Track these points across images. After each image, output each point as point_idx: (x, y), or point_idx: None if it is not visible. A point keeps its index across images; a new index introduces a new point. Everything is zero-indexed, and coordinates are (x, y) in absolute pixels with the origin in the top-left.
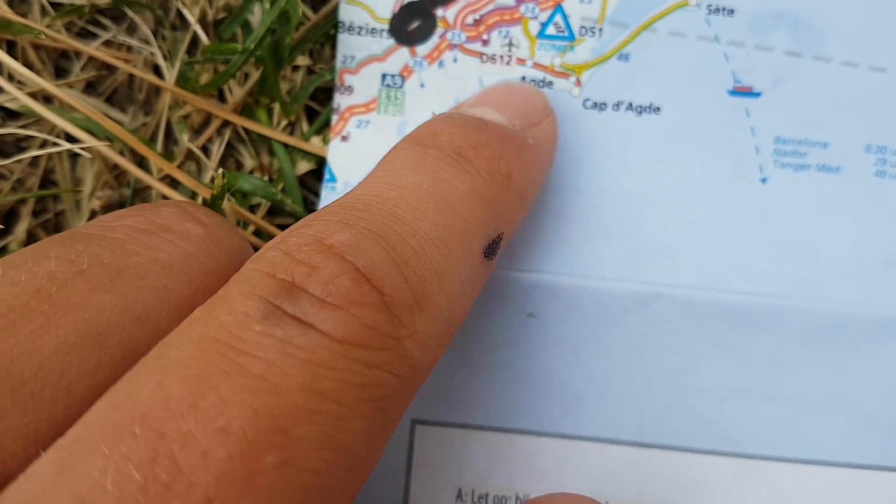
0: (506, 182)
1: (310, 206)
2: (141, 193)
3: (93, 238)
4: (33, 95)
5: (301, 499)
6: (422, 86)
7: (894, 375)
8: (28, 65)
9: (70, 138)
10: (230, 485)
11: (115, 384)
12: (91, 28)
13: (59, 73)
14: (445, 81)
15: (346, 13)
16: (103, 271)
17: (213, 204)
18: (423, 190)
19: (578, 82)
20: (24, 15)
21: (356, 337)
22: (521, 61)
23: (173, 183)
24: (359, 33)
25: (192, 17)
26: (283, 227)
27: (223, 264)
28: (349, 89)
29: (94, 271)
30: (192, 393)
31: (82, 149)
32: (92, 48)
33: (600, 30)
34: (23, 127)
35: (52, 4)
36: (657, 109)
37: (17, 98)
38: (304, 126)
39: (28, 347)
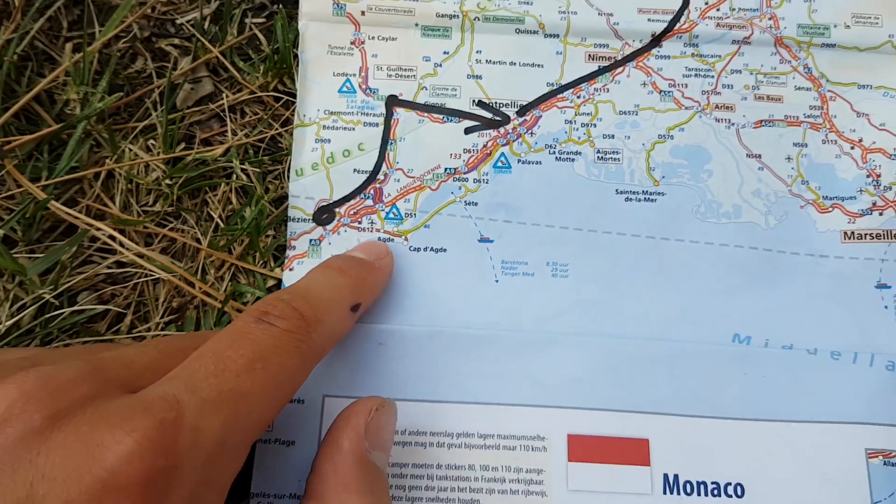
0: (363, 283)
1: None
2: (192, 300)
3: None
4: (140, 255)
5: (265, 378)
6: (329, 244)
7: (552, 363)
8: (131, 238)
9: (151, 274)
10: (247, 365)
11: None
12: (163, 221)
13: (147, 241)
14: (339, 241)
15: (292, 212)
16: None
17: (225, 301)
18: (323, 283)
19: (406, 239)
20: (126, 211)
21: (291, 329)
22: (378, 230)
23: (207, 293)
24: (297, 221)
25: (215, 216)
26: None
27: None
28: (293, 247)
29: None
30: (230, 343)
31: (159, 277)
32: (164, 231)
33: (414, 215)
34: (128, 268)
35: (144, 211)
36: (445, 250)
37: (127, 255)
38: (272, 263)
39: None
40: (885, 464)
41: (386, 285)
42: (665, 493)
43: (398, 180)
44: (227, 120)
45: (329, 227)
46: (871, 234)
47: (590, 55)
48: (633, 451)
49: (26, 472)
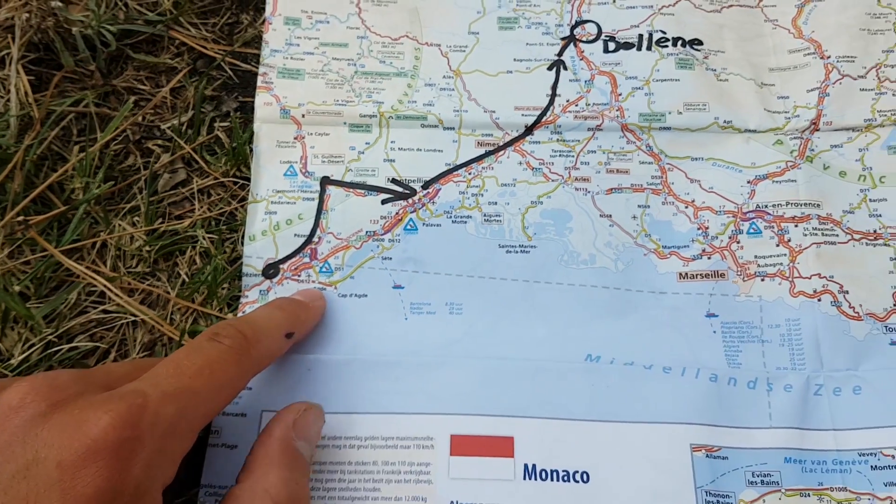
0: (296, 318)
1: None
2: (162, 337)
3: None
4: (123, 304)
5: (210, 381)
6: (275, 293)
7: (445, 382)
8: (117, 292)
9: (133, 317)
10: (197, 371)
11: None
12: (143, 279)
13: (130, 293)
14: (282, 291)
15: (245, 269)
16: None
17: (182, 335)
18: (265, 314)
19: (336, 288)
20: (114, 271)
21: (234, 346)
22: (313, 281)
23: (171, 333)
24: (249, 276)
25: (183, 274)
26: None
27: None
28: (246, 297)
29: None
30: (188, 354)
31: (137, 320)
32: (143, 285)
33: (342, 268)
34: (113, 314)
35: (128, 270)
36: (366, 295)
37: (113, 304)
38: (226, 310)
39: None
40: (706, 456)
41: (318, 321)
42: (525, 479)
43: (329, 242)
44: (196, 200)
45: (275, 279)
46: (701, 274)
47: (478, 142)
48: (501, 446)
49: (34, 442)
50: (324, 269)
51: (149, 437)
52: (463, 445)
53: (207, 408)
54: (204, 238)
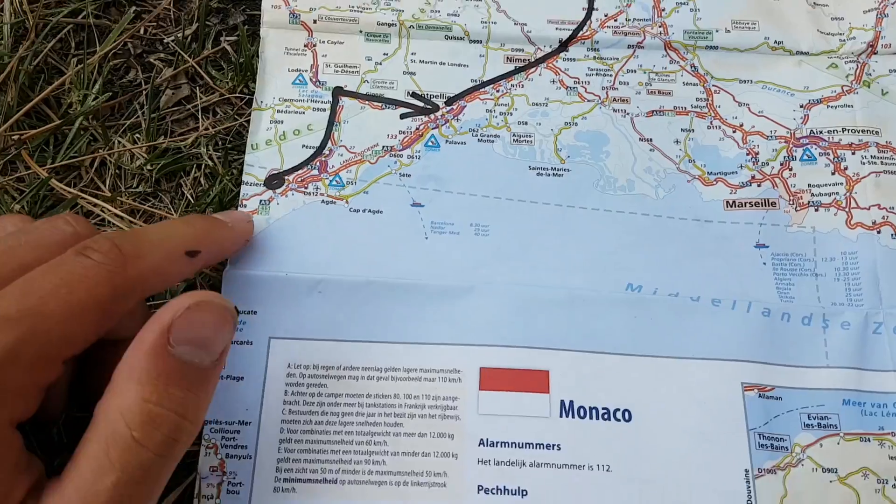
0: (205, 234)
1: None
2: None
3: (30, 232)
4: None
5: (68, 302)
6: (277, 204)
7: (471, 309)
8: (118, 215)
9: None
10: (52, 290)
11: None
12: (144, 199)
13: (131, 216)
14: (286, 203)
15: (246, 178)
16: (31, 246)
17: None
18: (159, 228)
19: (347, 202)
20: (114, 192)
21: (104, 262)
22: (321, 194)
23: None
24: (250, 185)
25: (188, 194)
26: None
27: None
28: (244, 206)
29: (28, 245)
30: (47, 272)
31: None
32: (145, 206)
33: (355, 182)
34: None
35: (128, 193)
36: (381, 212)
37: (116, 224)
38: None
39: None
40: (759, 396)
41: (240, 244)
42: (561, 416)
43: (342, 155)
44: (200, 118)
45: (278, 190)
46: (750, 203)
47: (508, 57)
48: (535, 381)
49: None
50: (334, 183)
51: None
52: (493, 379)
53: (63, 333)
54: (209, 157)
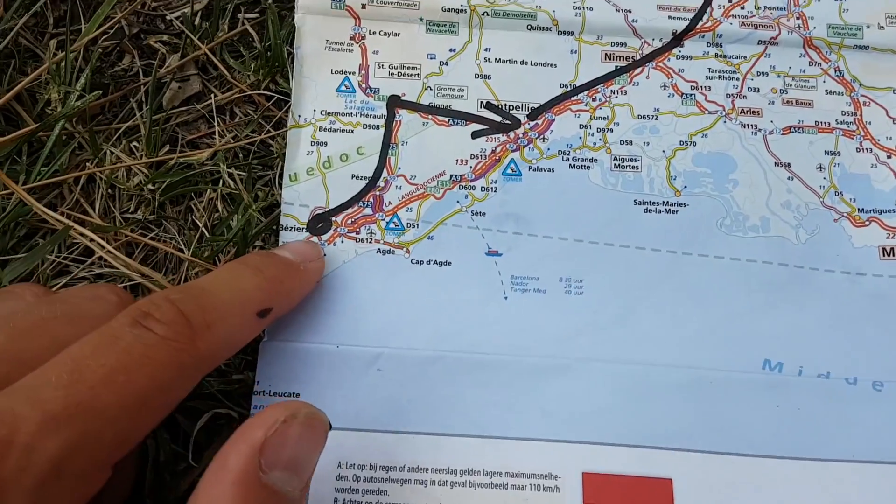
0: (280, 286)
1: None
2: None
3: (65, 301)
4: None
5: (127, 392)
6: (324, 255)
7: (568, 393)
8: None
9: (132, 288)
10: (106, 376)
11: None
12: (144, 231)
13: (127, 254)
14: (337, 252)
15: (285, 221)
16: (67, 318)
17: None
18: (228, 281)
19: (408, 251)
20: (106, 218)
21: (171, 336)
22: (377, 241)
23: None
24: (291, 230)
25: (200, 224)
26: None
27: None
28: None
29: (63, 318)
30: (93, 351)
31: (139, 284)
32: (146, 239)
33: (417, 224)
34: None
35: (124, 218)
36: (449, 263)
37: (110, 261)
38: None
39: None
40: None
41: (308, 292)
42: None
43: (400, 187)
44: (216, 121)
45: (325, 237)
46: None
47: (606, 55)
48: (655, 493)
49: None
50: (391, 226)
51: (15, 488)
52: (601, 489)
53: (121, 434)
54: (228, 176)
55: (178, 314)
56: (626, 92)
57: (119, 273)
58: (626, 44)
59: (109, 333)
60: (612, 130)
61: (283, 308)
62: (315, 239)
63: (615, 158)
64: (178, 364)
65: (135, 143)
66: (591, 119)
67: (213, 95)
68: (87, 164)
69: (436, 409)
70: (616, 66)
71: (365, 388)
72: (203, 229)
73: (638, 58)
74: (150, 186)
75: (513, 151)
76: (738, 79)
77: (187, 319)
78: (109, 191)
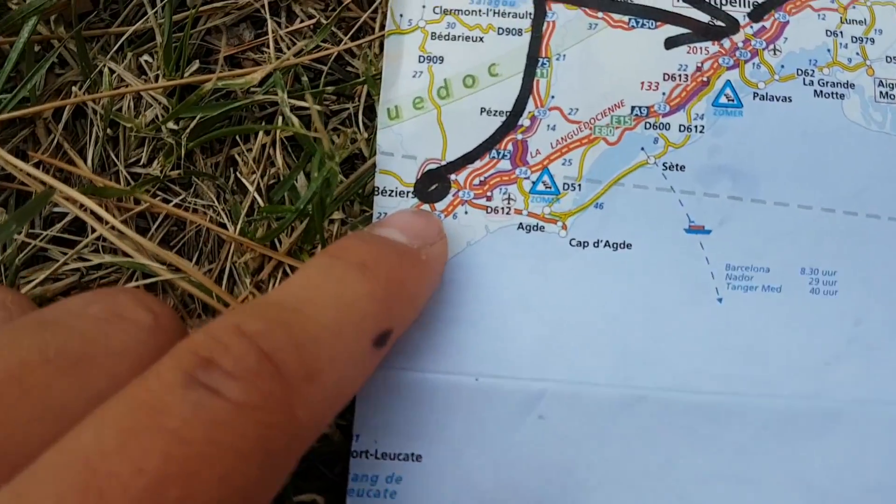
0: (399, 288)
1: None
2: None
3: (60, 327)
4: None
5: (187, 495)
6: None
7: (839, 458)
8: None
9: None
10: (146, 492)
11: (65, 434)
12: (164, 194)
13: (139, 230)
14: (458, 229)
15: (381, 180)
16: (66, 360)
17: None
18: (329, 292)
19: (564, 226)
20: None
21: (254, 401)
22: (518, 212)
23: None
24: (390, 195)
25: (249, 185)
26: None
27: (165, 346)
28: None
29: (59, 360)
30: (119, 442)
31: (159, 281)
32: (167, 207)
33: (579, 185)
34: (104, 273)
35: (131, 175)
36: (629, 246)
37: (113, 241)
38: None
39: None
40: None
41: (433, 292)
42: None
43: (553, 128)
44: (268, 23)
45: (440, 205)
46: None
47: None
48: None
49: None
50: (540, 187)
51: None
52: None
53: None
54: (292, 110)
55: (263, 359)
56: None
57: (128, 263)
58: None
59: (147, 402)
60: (872, 41)
61: (405, 325)
62: (427, 208)
63: (881, 83)
64: (266, 451)
65: (147, 58)
66: (841, 22)
67: None
68: (74, 88)
69: (634, 481)
70: None
71: (521, 446)
72: (254, 194)
73: None
74: (171, 125)
75: (729, 69)
76: None
77: (277, 368)
78: (109, 131)
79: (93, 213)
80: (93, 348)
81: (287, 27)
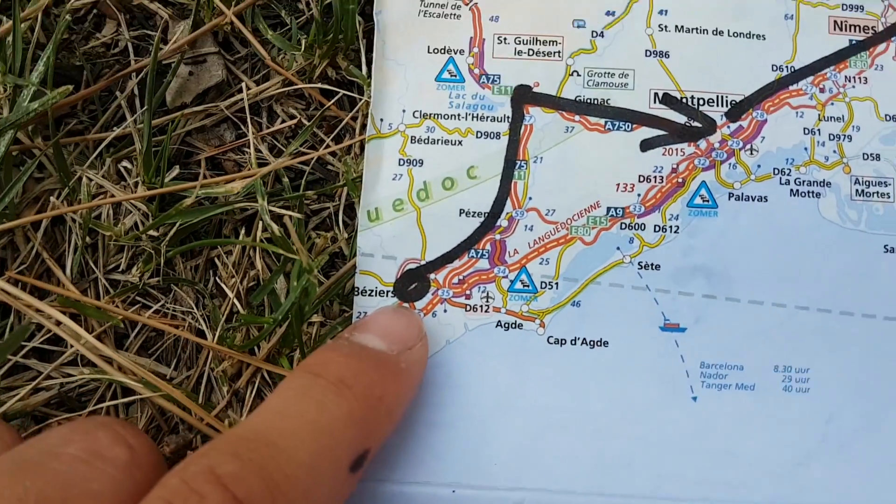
0: (377, 404)
1: None
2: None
3: (40, 470)
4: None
5: None
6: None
7: None
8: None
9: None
10: None
11: None
12: (144, 300)
13: (118, 337)
14: (437, 327)
15: (360, 281)
16: None
17: None
18: (306, 419)
19: (542, 324)
20: (85, 292)
21: None
22: (497, 309)
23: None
24: (370, 295)
25: (229, 291)
26: None
27: (142, 483)
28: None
29: None
30: None
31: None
32: (143, 318)
33: (556, 284)
34: (83, 383)
35: (110, 282)
36: (606, 343)
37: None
38: None
39: None
40: None
41: (411, 401)
42: None
43: (531, 228)
44: (249, 127)
45: (420, 304)
46: None
47: (836, 22)
48: None
49: None
50: (518, 286)
51: None
52: None
53: None
54: (272, 217)
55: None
56: (866, 79)
57: (106, 379)
58: (863, 7)
59: None
60: (850, 138)
61: (382, 440)
62: (405, 308)
63: (857, 181)
64: None
65: (126, 164)
66: (819, 120)
67: (244, 86)
68: (53, 198)
69: None
70: (850, 41)
71: None
72: (234, 299)
73: (880, 28)
74: (151, 233)
75: (704, 170)
76: None
77: None
78: (88, 239)
79: (70, 329)
80: (71, 493)
81: (268, 127)
